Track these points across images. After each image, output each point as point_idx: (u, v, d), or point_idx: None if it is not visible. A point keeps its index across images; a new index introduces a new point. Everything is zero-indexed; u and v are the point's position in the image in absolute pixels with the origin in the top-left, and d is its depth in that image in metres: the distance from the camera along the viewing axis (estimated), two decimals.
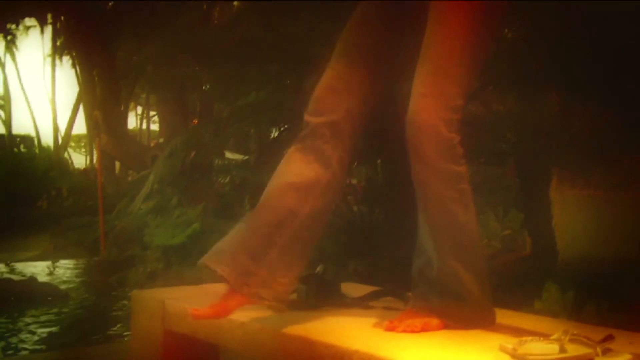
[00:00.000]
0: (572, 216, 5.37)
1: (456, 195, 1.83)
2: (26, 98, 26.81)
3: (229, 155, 7.96)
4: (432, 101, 1.80)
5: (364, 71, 1.97)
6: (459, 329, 1.82)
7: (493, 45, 1.95)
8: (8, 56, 26.37)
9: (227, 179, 7.16)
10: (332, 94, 1.96)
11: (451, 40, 1.83)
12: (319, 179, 1.92)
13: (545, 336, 1.55)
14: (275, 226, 1.89)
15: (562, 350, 1.48)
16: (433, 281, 1.86)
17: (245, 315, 2.01)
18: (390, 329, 1.81)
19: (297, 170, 1.94)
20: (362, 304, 2.14)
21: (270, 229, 1.89)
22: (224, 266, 1.87)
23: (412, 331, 1.79)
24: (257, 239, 1.90)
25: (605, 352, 1.49)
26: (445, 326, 1.83)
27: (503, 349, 1.59)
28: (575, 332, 1.53)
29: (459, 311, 1.84)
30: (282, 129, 6.85)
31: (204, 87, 10.37)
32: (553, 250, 5.11)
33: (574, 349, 1.47)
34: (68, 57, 21.23)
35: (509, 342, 1.58)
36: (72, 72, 20.35)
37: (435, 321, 1.83)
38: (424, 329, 1.80)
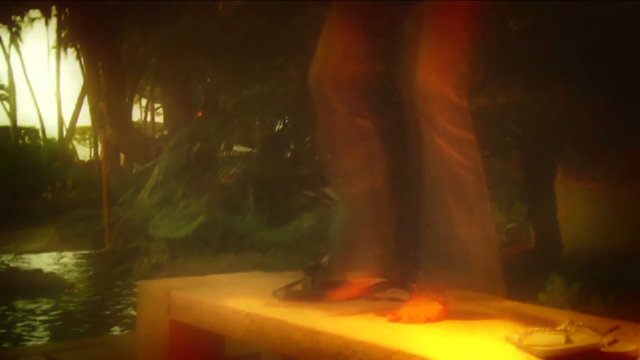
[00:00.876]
0: (576, 209, 5.37)
1: (468, 163, 1.82)
2: (31, 90, 26.83)
3: (233, 146, 7.97)
4: (438, 67, 1.79)
5: (362, 40, 1.96)
6: (467, 292, 1.83)
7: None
8: (13, 48, 26.38)
9: (232, 171, 7.17)
10: (344, 65, 1.94)
11: (453, 8, 1.82)
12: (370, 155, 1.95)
13: (551, 327, 1.54)
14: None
15: (568, 340, 1.47)
16: (441, 254, 1.84)
17: (251, 306, 2.01)
18: (394, 320, 1.80)
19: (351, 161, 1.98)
20: (367, 295, 2.14)
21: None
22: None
23: (416, 322, 1.78)
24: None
25: (612, 342, 1.48)
26: (449, 315, 1.82)
27: (509, 340, 1.59)
28: (581, 323, 1.53)
29: (467, 279, 1.82)
30: (286, 121, 6.85)
31: (208, 80, 10.37)
32: (558, 242, 5.12)
33: (580, 340, 1.47)
34: (72, 49, 21.24)
35: (515, 332, 1.58)
36: (77, 64, 20.37)
37: (437, 308, 1.81)
38: (428, 320, 1.79)
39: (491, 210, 1.89)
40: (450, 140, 1.80)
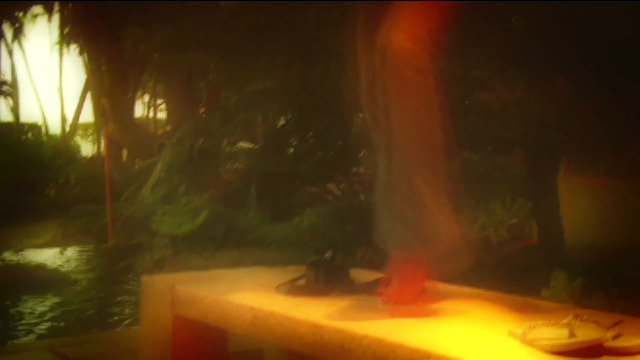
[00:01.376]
0: (579, 204, 5.36)
1: (432, 107, 1.84)
2: (34, 86, 26.84)
3: (235, 142, 7.97)
4: (403, 26, 1.84)
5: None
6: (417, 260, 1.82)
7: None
8: (16, 44, 26.39)
9: (235, 166, 7.18)
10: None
11: None
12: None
13: (554, 321, 1.54)
14: None
15: (572, 335, 1.47)
16: (393, 207, 1.86)
17: (254, 300, 2.02)
18: (386, 300, 1.84)
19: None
20: (370, 289, 2.14)
21: None
22: None
23: (405, 302, 1.80)
24: None
25: (616, 337, 1.48)
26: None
27: (512, 334, 1.59)
28: (584, 317, 1.53)
29: (408, 237, 1.82)
30: (289, 117, 6.84)
31: (210, 77, 10.37)
32: (560, 238, 5.11)
33: (583, 334, 1.47)
34: (75, 46, 21.23)
35: (519, 326, 1.58)
36: (80, 60, 20.38)
37: (418, 281, 1.83)
38: (415, 301, 1.81)
39: (443, 157, 1.88)
40: (411, 84, 1.83)
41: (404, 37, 1.84)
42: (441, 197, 1.85)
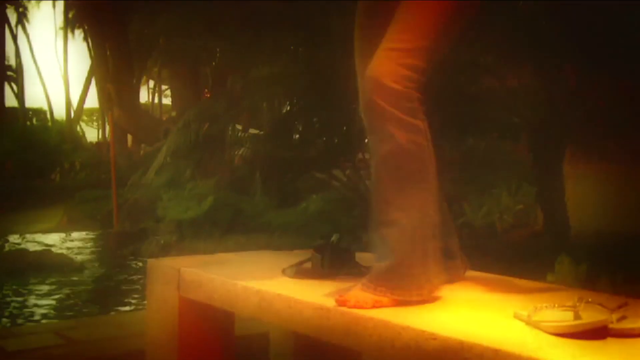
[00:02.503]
0: (585, 190, 5.36)
1: (412, 147, 1.79)
2: (38, 71, 26.86)
3: (241, 127, 7.97)
4: (392, 55, 1.80)
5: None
6: (389, 303, 1.75)
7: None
8: (20, 29, 26.39)
9: (242, 151, 7.18)
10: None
11: (423, 7, 1.83)
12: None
13: (560, 303, 1.55)
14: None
15: (577, 317, 1.48)
16: (376, 244, 1.84)
17: (261, 283, 2.03)
18: (341, 303, 1.75)
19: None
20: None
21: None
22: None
23: (362, 307, 1.73)
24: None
25: (621, 319, 1.49)
26: (398, 303, 1.76)
27: (518, 316, 1.60)
28: (590, 300, 1.54)
29: (387, 278, 1.77)
30: (295, 102, 6.84)
31: (213, 63, 10.35)
32: (566, 224, 5.11)
33: (588, 316, 1.48)
34: (80, 31, 21.24)
35: (524, 309, 1.59)
36: (84, 45, 20.39)
37: (385, 300, 1.76)
38: (375, 306, 1.74)
39: (435, 200, 1.83)
40: (392, 123, 1.78)
41: (391, 75, 1.78)
42: (429, 239, 1.81)
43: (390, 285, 1.77)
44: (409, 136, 1.79)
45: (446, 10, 1.85)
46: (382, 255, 1.82)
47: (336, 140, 6.63)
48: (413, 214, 1.79)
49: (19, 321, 4.71)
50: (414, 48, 1.82)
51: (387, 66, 1.80)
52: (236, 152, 7.25)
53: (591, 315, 1.48)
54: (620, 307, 1.54)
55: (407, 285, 1.77)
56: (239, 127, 7.32)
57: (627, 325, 1.48)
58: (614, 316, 1.49)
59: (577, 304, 1.51)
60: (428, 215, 1.80)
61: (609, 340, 1.45)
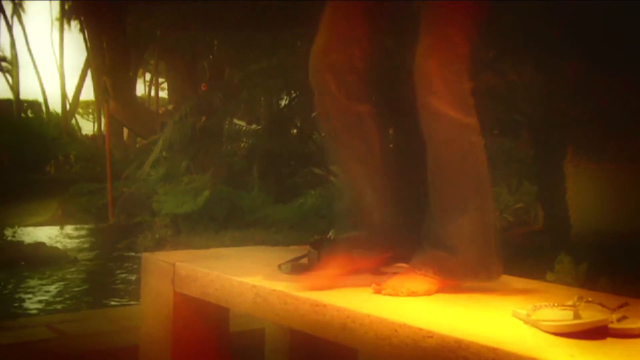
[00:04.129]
0: (586, 189, 5.36)
1: (467, 146, 1.82)
2: (34, 63, 26.82)
3: (238, 122, 7.97)
4: (437, 50, 1.79)
5: (366, 26, 1.96)
6: (453, 282, 1.82)
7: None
8: (15, 19, 26.34)
9: (242, 145, 7.18)
10: (343, 53, 1.95)
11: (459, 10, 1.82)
12: (371, 153, 1.98)
13: (559, 302, 1.55)
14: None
15: (577, 316, 1.47)
16: (436, 238, 1.86)
17: (256, 278, 2.02)
18: (376, 291, 1.81)
19: (356, 157, 2.00)
20: (374, 269, 2.14)
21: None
22: None
23: (397, 295, 1.78)
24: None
25: (621, 319, 1.48)
26: (438, 290, 1.82)
27: (516, 315, 1.59)
28: (589, 299, 1.53)
29: (455, 264, 1.83)
30: (293, 95, 6.83)
31: (211, 56, 10.33)
32: (566, 223, 5.12)
33: (588, 316, 1.47)
34: (76, 22, 21.19)
35: (523, 307, 1.59)
36: (80, 36, 20.34)
37: (425, 287, 1.81)
38: (409, 294, 1.79)
39: (492, 197, 1.88)
40: (446, 123, 1.80)
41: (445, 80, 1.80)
42: (485, 215, 1.87)
43: (448, 265, 1.82)
44: (462, 135, 1.81)
45: (476, 11, 1.84)
46: (437, 245, 1.85)
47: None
48: (482, 210, 1.84)
49: (12, 314, 4.70)
50: (457, 38, 1.81)
51: (436, 63, 1.79)
52: (235, 146, 7.24)
53: (591, 315, 1.48)
54: (620, 307, 1.53)
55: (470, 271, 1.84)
56: (242, 123, 7.32)
57: (627, 325, 1.47)
58: (614, 316, 1.48)
59: (577, 303, 1.51)
60: (488, 211, 1.86)
61: (609, 340, 1.44)
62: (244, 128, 7.13)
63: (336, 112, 1.99)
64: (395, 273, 2.05)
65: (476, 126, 1.83)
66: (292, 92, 6.94)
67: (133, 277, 5.74)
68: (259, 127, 7.72)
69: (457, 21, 1.82)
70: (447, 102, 1.79)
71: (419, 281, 1.83)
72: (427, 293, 1.82)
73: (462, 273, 1.83)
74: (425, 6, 1.85)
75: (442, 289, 1.84)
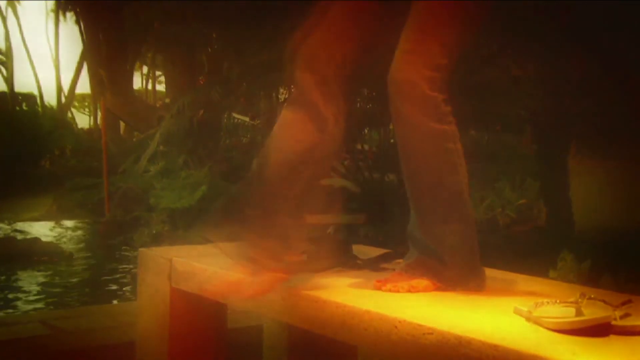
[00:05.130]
0: (589, 186, 5.37)
1: (441, 154, 1.82)
2: (28, 55, 26.79)
3: (237, 116, 7.96)
4: (414, 58, 1.79)
5: (351, 26, 1.96)
6: (446, 290, 1.84)
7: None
8: (10, 11, 26.31)
9: (244, 140, 7.18)
10: (322, 49, 1.95)
11: (440, 3, 1.82)
12: (316, 143, 1.91)
13: (561, 299, 1.55)
14: (283, 197, 1.89)
15: (579, 313, 1.48)
16: (422, 244, 1.88)
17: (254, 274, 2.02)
18: (377, 287, 1.83)
19: (295, 136, 1.93)
20: (373, 265, 2.15)
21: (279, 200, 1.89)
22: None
23: (397, 291, 1.81)
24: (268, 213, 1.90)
25: (624, 316, 1.49)
26: (436, 289, 1.84)
27: (518, 312, 1.60)
28: (592, 296, 1.54)
29: (444, 272, 1.84)
30: (292, 89, 6.82)
31: (210, 49, 10.31)
32: (569, 219, 5.12)
33: (591, 313, 1.47)
34: (72, 13, 21.15)
35: (524, 304, 1.59)
36: (76, 28, 20.29)
37: (423, 283, 1.83)
38: (410, 291, 1.82)
39: (469, 201, 1.89)
40: (418, 131, 1.81)
41: (415, 80, 1.78)
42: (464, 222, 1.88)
43: (437, 272, 1.84)
44: (437, 142, 1.81)
45: (462, 19, 1.84)
46: (424, 252, 1.87)
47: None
48: (461, 218, 1.85)
49: (6, 310, 4.71)
50: (435, 47, 1.81)
51: (410, 71, 1.79)
52: (243, 140, 7.22)
53: (594, 312, 1.48)
54: (623, 304, 1.53)
55: (456, 277, 1.84)
56: (245, 118, 7.31)
57: (630, 322, 1.48)
58: (617, 313, 1.49)
59: (580, 300, 1.51)
60: (469, 220, 1.87)
61: (612, 337, 1.45)
62: (246, 123, 7.13)
63: (300, 105, 1.95)
64: (394, 269, 2.06)
65: (452, 133, 1.83)
66: (292, 85, 6.93)
67: (129, 273, 5.75)
68: (258, 121, 7.72)
69: (438, 29, 1.82)
70: (419, 110, 1.79)
71: (417, 280, 1.85)
72: (426, 289, 1.84)
73: (453, 281, 1.85)
74: (412, 9, 1.85)
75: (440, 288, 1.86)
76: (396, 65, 1.81)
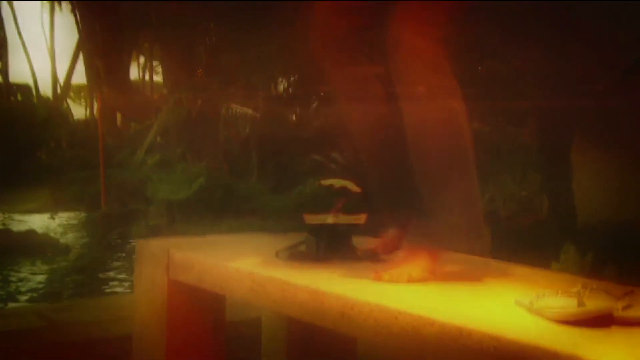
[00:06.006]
0: (592, 178, 5.36)
1: (445, 114, 1.84)
2: (23, 44, 26.71)
3: (237, 107, 7.96)
4: (413, 16, 1.82)
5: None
6: (447, 252, 1.86)
7: None
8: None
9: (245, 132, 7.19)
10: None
11: None
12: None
13: (563, 290, 1.56)
14: None
15: (581, 304, 1.48)
16: (425, 210, 1.89)
17: (253, 265, 2.03)
18: (376, 279, 1.84)
19: None
20: (373, 256, 2.16)
21: None
22: None
23: (397, 282, 1.81)
24: None
25: (626, 307, 1.49)
26: (431, 273, 1.85)
27: (519, 303, 1.60)
28: (594, 287, 1.54)
29: (443, 229, 1.86)
30: (292, 79, 6.83)
31: (212, 37, 10.30)
32: (572, 212, 5.12)
33: (593, 304, 1.48)
34: (67, 3, 21.09)
35: (526, 295, 1.60)
36: (72, 18, 20.24)
37: (421, 269, 1.84)
38: (410, 280, 1.82)
39: (473, 163, 1.91)
40: (422, 88, 1.83)
41: (414, 33, 1.81)
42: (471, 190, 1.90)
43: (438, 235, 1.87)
44: (444, 104, 1.83)
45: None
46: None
47: (335, 120, 6.63)
48: (459, 181, 1.87)
49: (1, 303, 4.72)
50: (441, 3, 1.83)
51: (418, 26, 1.81)
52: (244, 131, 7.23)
53: (596, 303, 1.49)
54: (626, 294, 1.54)
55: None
56: (248, 110, 7.31)
57: (633, 313, 1.48)
58: (620, 304, 1.49)
59: (581, 291, 1.52)
60: (473, 180, 1.89)
61: (614, 328, 1.46)
62: (247, 114, 7.14)
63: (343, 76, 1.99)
64: (393, 260, 2.07)
65: (456, 90, 1.85)
66: (291, 77, 6.93)
67: (126, 266, 5.76)
68: (256, 112, 7.72)
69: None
70: (420, 67, 1.81)
71: (418, 267, 1.85)
72: (426, 278, 1.84)
73: (452, 239, 1.86)
74: None
75: (440, 271, 1.86)
76: (395, 25, 1.84)
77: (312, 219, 2.05)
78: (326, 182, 2.13)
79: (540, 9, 4.98)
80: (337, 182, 2.17)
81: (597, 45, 4.92)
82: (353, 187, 2.13)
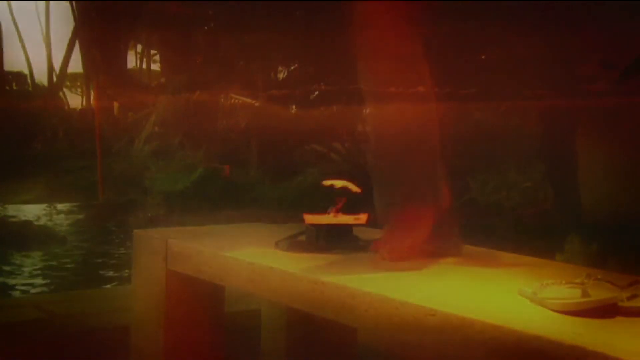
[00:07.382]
0: (597, 168, 5.36)
1: (413, 75, 1.87)
2: (18, 32, 26.65)
3: (236, 96, 7.95)
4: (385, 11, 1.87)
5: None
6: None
7: None
8: None
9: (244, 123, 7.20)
10: None
11: None
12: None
13: (567, 280, 1.56)
14: None
15: (585, 294, 1.48)
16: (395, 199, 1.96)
17: (253, 256, 2.04)
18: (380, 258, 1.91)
19: None
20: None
21: None
22: None
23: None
24: None
25: (631, 297, 1.49)
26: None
27: (522, 293, 1.61)
28: (598, 277, 1.54)
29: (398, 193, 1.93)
30: (292, 68, 6.82)
31: (206, 27, 10.29)
32: (576, 202, 5.12)
33: (597, 294, 1.48)
34: None
35: (529, 285, 1.60)
36: (68, 5, 20.20)
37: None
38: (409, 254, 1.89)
39: (435, 128, 1.96)
40: (386, 40, 1.88)
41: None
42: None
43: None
44: (409, 106, 1.85)
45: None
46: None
47: (335, 110, 6.63)
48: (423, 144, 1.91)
49: None
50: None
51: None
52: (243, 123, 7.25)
53: (600, 293, 1.49)
54: (630, 285, 1.54)
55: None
56: (249, 100, 7.30)
57: (637, 304, 1.48)
58: (624, 294, 1.49)
59: (586, 281, 1.52)
60: (432, 180, 1.93)
61: (618, 319, 1.46)
62: (246, 103, 7.13)
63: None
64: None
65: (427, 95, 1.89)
66: (292, 66, 6.92)
67: (123, 257, 5.76)
68: (256, 102, 7.71)
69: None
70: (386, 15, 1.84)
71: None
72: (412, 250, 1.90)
73: (405, 202, 1.91)
74: None
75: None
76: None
77: (312, 219, 2.06)
78: (327, 182, 2.15)
79: (540, 9, 4.96)
80: (337, 183, 2.18)
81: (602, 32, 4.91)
82: (353, 187, 2.13)
